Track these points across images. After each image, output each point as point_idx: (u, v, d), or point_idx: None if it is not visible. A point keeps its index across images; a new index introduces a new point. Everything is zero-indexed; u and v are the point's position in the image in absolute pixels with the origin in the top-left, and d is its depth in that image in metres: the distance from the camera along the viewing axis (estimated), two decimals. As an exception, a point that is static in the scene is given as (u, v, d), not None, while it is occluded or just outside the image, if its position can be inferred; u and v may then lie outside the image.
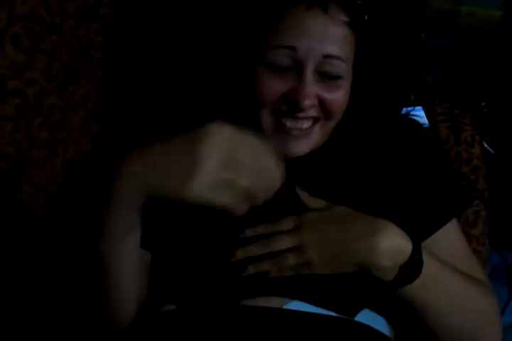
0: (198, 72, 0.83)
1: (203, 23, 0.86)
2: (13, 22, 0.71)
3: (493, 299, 0.75)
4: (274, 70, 0.69)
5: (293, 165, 0.75)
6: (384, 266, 0.66)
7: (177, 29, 0.88)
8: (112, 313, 0.68)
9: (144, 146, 0.62)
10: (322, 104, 0.70)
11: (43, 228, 0.78)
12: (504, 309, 1.31)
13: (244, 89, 0.72)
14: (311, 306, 0.67)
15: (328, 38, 0.68)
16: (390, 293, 0.68)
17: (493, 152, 1.42)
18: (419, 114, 1.07)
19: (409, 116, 0.87)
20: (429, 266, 0.67)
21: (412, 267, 0.66)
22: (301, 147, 0.72)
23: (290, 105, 0.69)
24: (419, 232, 0.73)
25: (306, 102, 0.68)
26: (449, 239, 0.77)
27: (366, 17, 0.71)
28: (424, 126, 0.96)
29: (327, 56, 0.68)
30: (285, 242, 0.67)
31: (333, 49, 0.68)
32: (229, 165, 0.57)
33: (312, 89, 0.68)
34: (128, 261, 0.67)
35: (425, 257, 0.67)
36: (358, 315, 0.68)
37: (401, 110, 0.96)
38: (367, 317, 0.68)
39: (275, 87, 0.69)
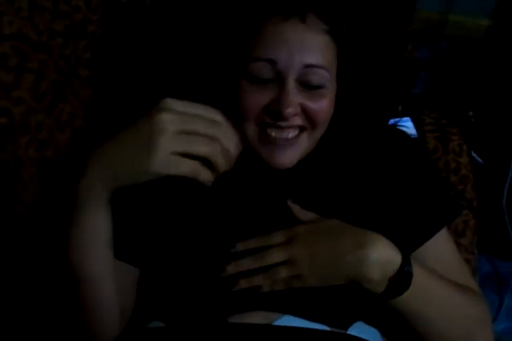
0: (184, 89, 0.83)
1: (188, 39, 0.87)
2: (0, 42, 0.72)
3: (483, 307, 0.75)
4: (257, 83, 0.69)
5: (283, 178, 0.76)
6: (373, 278, 0.66)
7: (163, 46, 0.89)
8: (92, 328, 0.68)
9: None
10: (306, 113, 0.70)
11: (30, 244, 0.78)
12: (495, 317, 1.32)
13: (229, 103, 0.72)
14: (303, 321, 0.67)
15: (308, 48, 0.68)
16: (382, 303, 0.68)
17: (481, 161, 1.43)
18: (407, 125, 1.08)
19: (397, 127, 0.88)
20: (419, 276, 0.67)
21: (401, 279, 0.66)
22: (288, 157, 0.72)
23: (273, 115, 0.69)
24: (409, 242, 0.74)
25: (289, 110, 0.68)
26: (439, 247, 0.77)
27: (345, 25, 0.71)
28: (412, 136, 0.97)
29: (308, 65, 0.68)
30: (277, 256, 0.67)
31: (313, 58, 0.68)
32: (182, 136, 0.61)
33: (294, 98, 0.69)
34: (104, 275, 0.67)
35: (415, 268, 0.67)
36: (351, 327, 0.68)
37: (388, 120, 0.97)
38: (360, 329, 0.69)
39: (258, 99, 0.69)
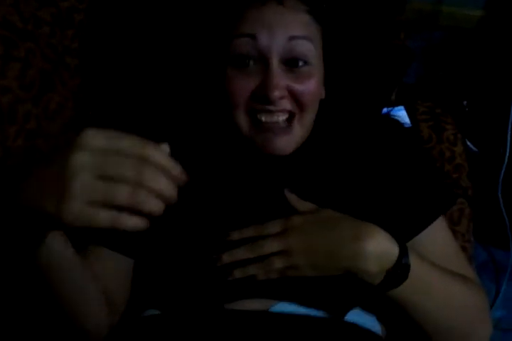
0: (172, 76, 0.83)
1: (173, 25, 0.86)
2: (-16, 30, 0.71)
3: (482, 296, 0.75)
4: (242, 67, 0.69)
5: (280, 167, 0.75)
6: (370, 270, 0.65)
7: (151, 34, 0.88)
8: (76, 323, 0.66)
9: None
10: (293, 95, 0.70)
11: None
12: (492, 304, 1.32)
13: (217, 93, 0.72)
14: (299, 307, 0.66)
15: (289, 23, 0.68)
16: (379, 293, 0.68)
17: (475, 150, 1.43)
18: (401, 114, 1.07)
19: (391, 116, 0.87)
20: (417, 268, 0.66)
21: (398, 271, 0.66)
22: (285, 143, 0.72)
23: (261, 100, 0.69)
24: (405, 231, 0.73)
25: (275, 93, 0.67)
26: (436, 236, 0.77)
27: (325, 5, 0.72)
28: (406, 125, 0.96)
29: (292, 37, 0.68)
30: (272, 246, 0.66)
31: (295, 31, 0.68)
32: (100, 184, 0.48)
33: (280, 79, 0.68)
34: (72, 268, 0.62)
35: (413, 259, 0.66)
36: (348, 314, 0.67)
37: (382, 109, 0.96)
38: (357, 316, 0.68)
39: (244, 85, 0.69)
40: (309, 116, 0.73)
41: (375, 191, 0.75)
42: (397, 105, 1.08)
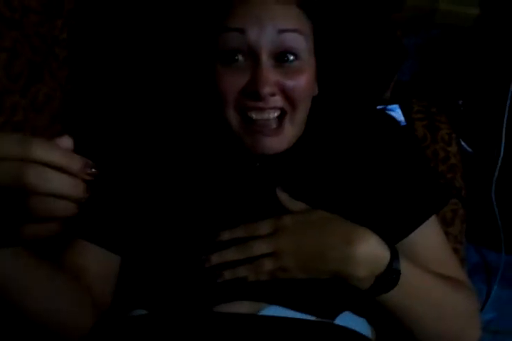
0: (161, 70, 0.81)
1: (162, 18, 0.85)
2: (-30, 18, 0.69)
3: (473, 300, 0.74)
4: (231, 62, 0.67)
5: (271, 166, 0.74)
6: (360, 275, 0.64)
7: (141, 26, 0.86)
8: (52, 330, 0.64)
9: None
10: (284, 91, 0.68)
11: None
12: (483, 306, 1.32)
13: (207, 90, 0.70)
14: (289, 311, 0.65)
15: (278, 16, 0.67)
16: (368, 298, 0.67)
17: (470, 150, 1.42)
18: (396, 112, 1.06)
19: (386, 113, 0.86)
20: (407, 273, 0.65)
21: (388, 277, 0.65)
22: (276, 142, 0.70)
23: (251, 96, 0.67)
24: (397, 231, 0.73)
25: (266, 89, 0.66)
26: (427, 236, 0.75)
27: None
28: (401, 124, 0.95)
29: (281, 31, 0.67)
30: (262, 248, 0.65)
31: (285, 24, 0.67)
32: None
33: (270, 75, 0.67)
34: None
35: (404, 265, 0.65)
36: (338, 317, 0.66)
37: (376, 106, 0.94)
38: (347, 319, 0.67)
39: (234, 81, 0.68)
40: (301, 114, 0.72)
41: (367, 189, 0.74)
42: (392, 103, 1.07)
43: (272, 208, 0.69)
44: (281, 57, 0.68)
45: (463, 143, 1.41)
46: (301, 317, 0.65)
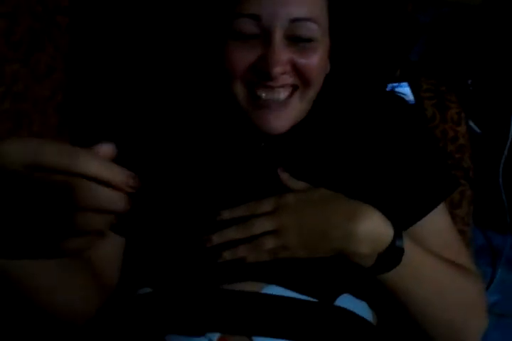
0: (168, 48, 0.78)
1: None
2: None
3: (478, 288, 0.73)
4: (242, 39, 0.66)
5: (275, 145, 0.72)
6: (362, 252, 0.63)
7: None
8: (59, 314, 0.64)
9: None
10: (297, 69, 0.67)
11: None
12: (487, 288, 1.32)
13: (215, 64, 0.68)
14: (289, 291, 0.64)
15: (292, 1, 0.64)
16: (372, 279, 0.66)
17: (478, 131, 1.40)
18: (405, 90, 1.05)
19: (395, 93, 0.84)
20: (410, 253, 0.64)
21: (391, 255, 0.64)
22: (282, 121, 0.68)
23: (261, 75, 0.66)
24: (405, 218, 0.71)
25: (277, 69, 0.64)
26: (436, 222, 0.74)
27: None
28: (410, 102, 0.93)
29: (294, 20, 0.64)
30: (263, 225, 0.64)
31: (299, 12, 0.65)
32: None
33: (282, 54, 0.65)
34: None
35: (407, 245, 0.64)
36: (338, 299, 0.66)
37: (386, 85, 0.93)
38: (347, 301, 0.66)
39: (244, 56, 0.66)
40: (312, 91, 0.70)
41: (374, 172, 0.72)
42: (401, 81, 1.05)
43: (274, 188, 0.68)
44: (294, 38, 0.66)
45: (471, 123, 1.39)
46: (301, 298, 0.64)
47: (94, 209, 0.39)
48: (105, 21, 0.85)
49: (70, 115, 0.80)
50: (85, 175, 0.39)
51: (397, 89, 0.94)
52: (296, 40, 0.66)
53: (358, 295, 0.68)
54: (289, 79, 0.67)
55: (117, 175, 0.41)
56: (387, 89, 0.93)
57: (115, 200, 0.41)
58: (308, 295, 0.64)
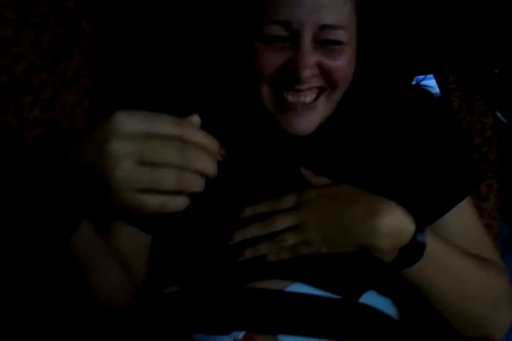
0: (195, 51, 0.79)
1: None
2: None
3: (505, 279, 0.72)
4: (271, 42, 0.66)
5: (298, 143, 0.72)
6: (383, 248, 0.63)
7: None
8: (97, 299, 0.67)
9: None
10: (325, 72, 0.67)
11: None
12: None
13: (242, 66, 0.69)
14: (313, 289, 0.65)
15: (322, 7, 0.64)
16: (395, 274, 0.66)
17: (505, 121, 1.38)
18: (431, 83, 1.03)
19: (421, 87, 0.83)
20: (433, 247, 0.64)
21: (412, 250, 0.64)
22: (308, 123, 0.69)
23: (289, 77, 0.66)
24: (430, 212, 0.71)
25: (306, 73, 0.64)
26: (461, 217, 0.74)
27: None
28: (436, 95, 0.92)
29: (323, 27, 0.64)
30: (285, 221, 0.65)
31: (328, 18, 0.64)
32: (142, 170, 0.46)
33: (311, 58, 0.65)
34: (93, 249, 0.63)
35: (430, 240, 0.64)
36: (362, 296, 0.66)
37: (412, 79, 0.93)
38: (371, 298, 0.67)
39: (272, 58, 0.66)
40: (339, 94, 0.70)
41: (398, 168, 0.72)
42: (427, 73, 1.04)
43: (297, 185, 0.68)
44: (322, 42, 0.66)
45: (498, 113, 1.37)
46: (326, 296, 0.65)
47: (195, 172, 0.47)
48: (131, 26, 0.86)
49: (98, 120, 0.82)
50: (195, 142, 0.47)
51: (423, 82, 0.93)
52: (324, 43, 0.66)
53: (383, 291, 0.68)
54: (316, 82, 0.67)
55: (214, 144, 0.49)
56: (413, 83, 0.92)
57: (212, 165, 0.49)
58: (333, 292, 0.65)
